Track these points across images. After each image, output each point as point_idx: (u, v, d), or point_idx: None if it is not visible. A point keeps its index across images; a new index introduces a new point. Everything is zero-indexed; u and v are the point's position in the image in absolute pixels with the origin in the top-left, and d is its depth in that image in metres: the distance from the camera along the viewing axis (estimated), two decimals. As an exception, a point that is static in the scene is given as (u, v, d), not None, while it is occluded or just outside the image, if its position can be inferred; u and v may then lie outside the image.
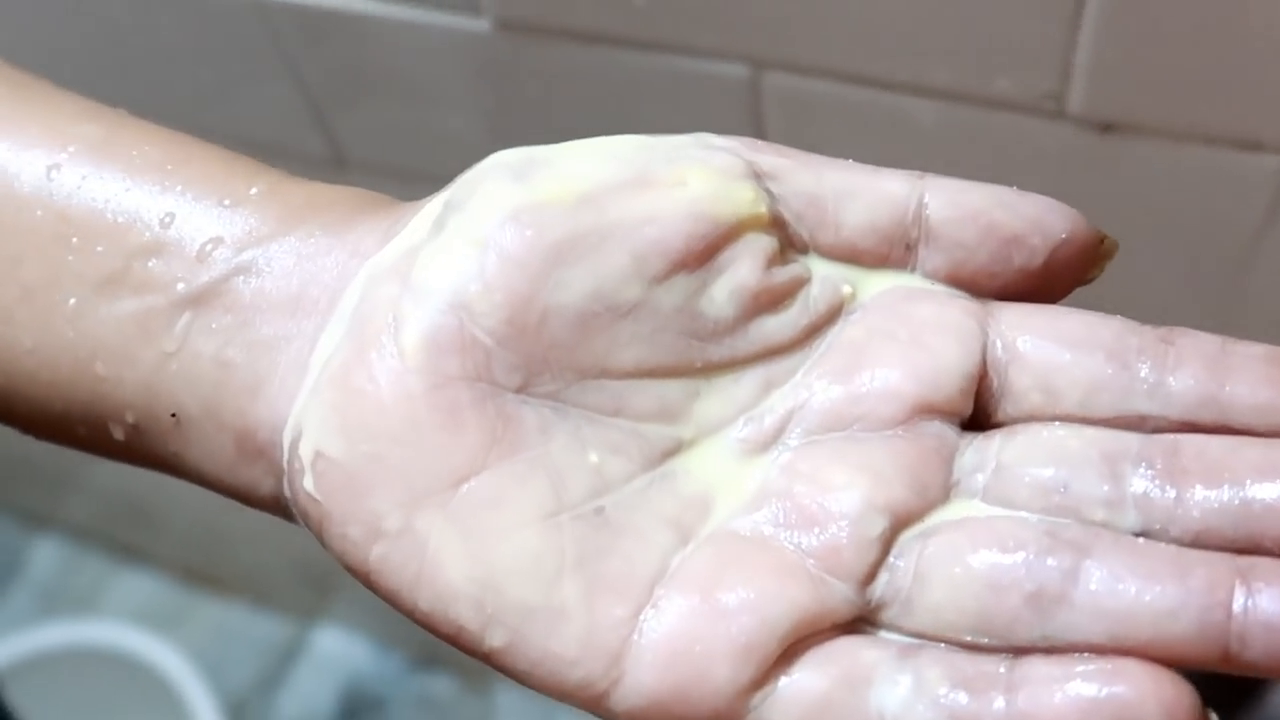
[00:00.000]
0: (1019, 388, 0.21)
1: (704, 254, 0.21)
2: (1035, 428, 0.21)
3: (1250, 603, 0.18)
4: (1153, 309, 0.22)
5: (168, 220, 0.22)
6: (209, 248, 0.22)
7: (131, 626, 0.96)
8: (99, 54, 0.59)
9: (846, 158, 0.23)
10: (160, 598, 1.11)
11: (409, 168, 0.56)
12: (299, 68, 0.55)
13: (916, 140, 0.44)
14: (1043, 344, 0.21)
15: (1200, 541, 0.19)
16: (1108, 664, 0.18)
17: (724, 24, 0.43)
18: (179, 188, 0.23)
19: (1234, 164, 0.40)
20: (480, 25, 0.48)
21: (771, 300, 0.22)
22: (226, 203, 0.23)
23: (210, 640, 1.08)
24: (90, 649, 0.93)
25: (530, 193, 0.21)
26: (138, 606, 1.10)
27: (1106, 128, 0.41)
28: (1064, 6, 0.38)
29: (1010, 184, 0.23)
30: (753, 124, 0.46)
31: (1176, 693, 0.18)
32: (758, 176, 0.22)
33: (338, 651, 1.08)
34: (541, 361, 0.21)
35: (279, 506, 0.22)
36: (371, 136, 0.56)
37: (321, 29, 0.52)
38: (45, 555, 1.14)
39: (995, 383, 0.22)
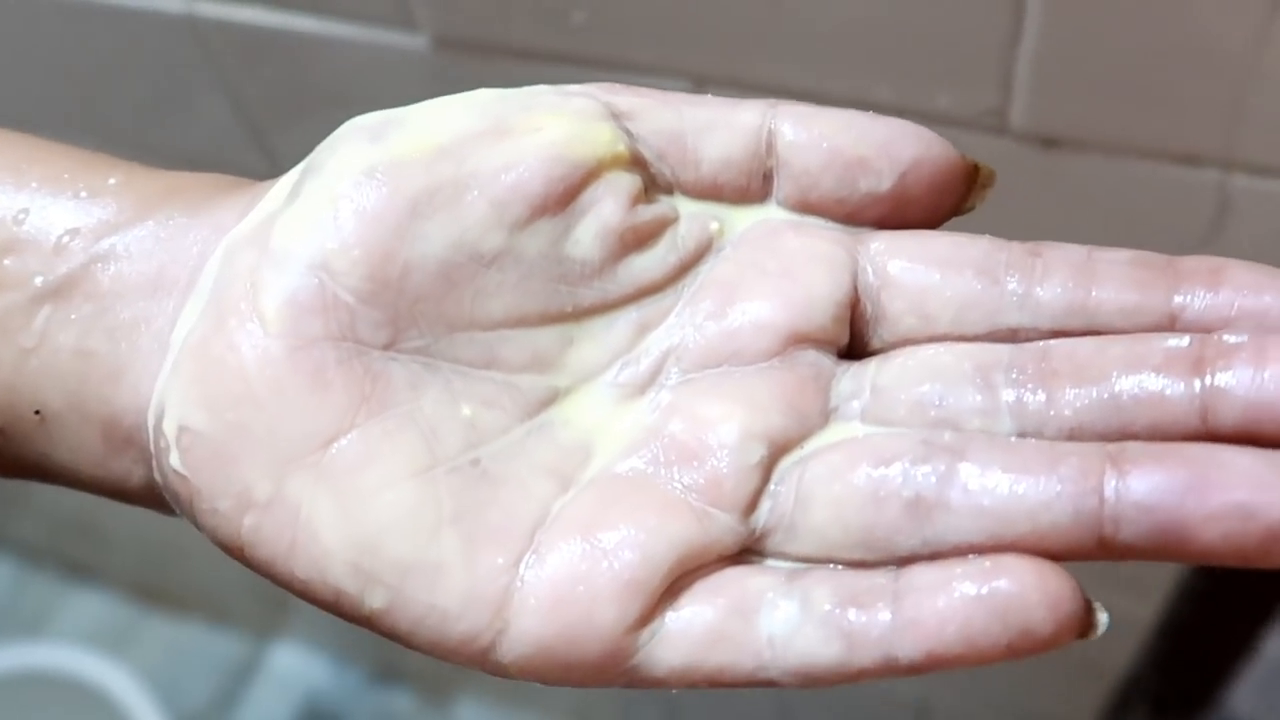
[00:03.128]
0: (892, 312, 0.21)
1: (565, 196, 0.21)
2: (910, 350, 0.21)
3: (1120, 485, 0.18)
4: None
5: (22, 217, 0.22)
6: (66, 239, 0.22)
7: (82, 648, 0.95)
8: (33, 73, 0.58)
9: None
10: (112, 616, 1.10)
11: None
12: (236, 86, 0.54)
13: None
14: (912, 266, 0.21)
15: (1074, 439, 0.19)
16: (987, 562, 0.18)
17: (663, 40, 0.43)
18: (34, 184, 0.22)
19: (1175, 178, 0.40)
20: (417, 42, 0.47)
21: (638, 239, 0.22)
22: (83, 195, 0.22)
23: (164, 659, 1.07)
24: (38, 673, 0.92)
25: (385, 150, 0.21)
26: (89, 626, 1.09)
27: (1049, 143, 0.41)
28: (1004, 23, 0.38)
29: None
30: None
31: (1059, 583, 0.18)
32: (616, 117, 0.22)
33: (295, 668, 1.06)
34: (408, 317, 0.21)
35: (153, 497, 0.22)
36: (312, 153, 0.55)
37: (257, 47, 0.51)
38: (-6, 575, 1.13)
39: (869, 309, 0.22)
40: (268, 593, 1.08)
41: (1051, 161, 0.41)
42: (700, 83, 0.43)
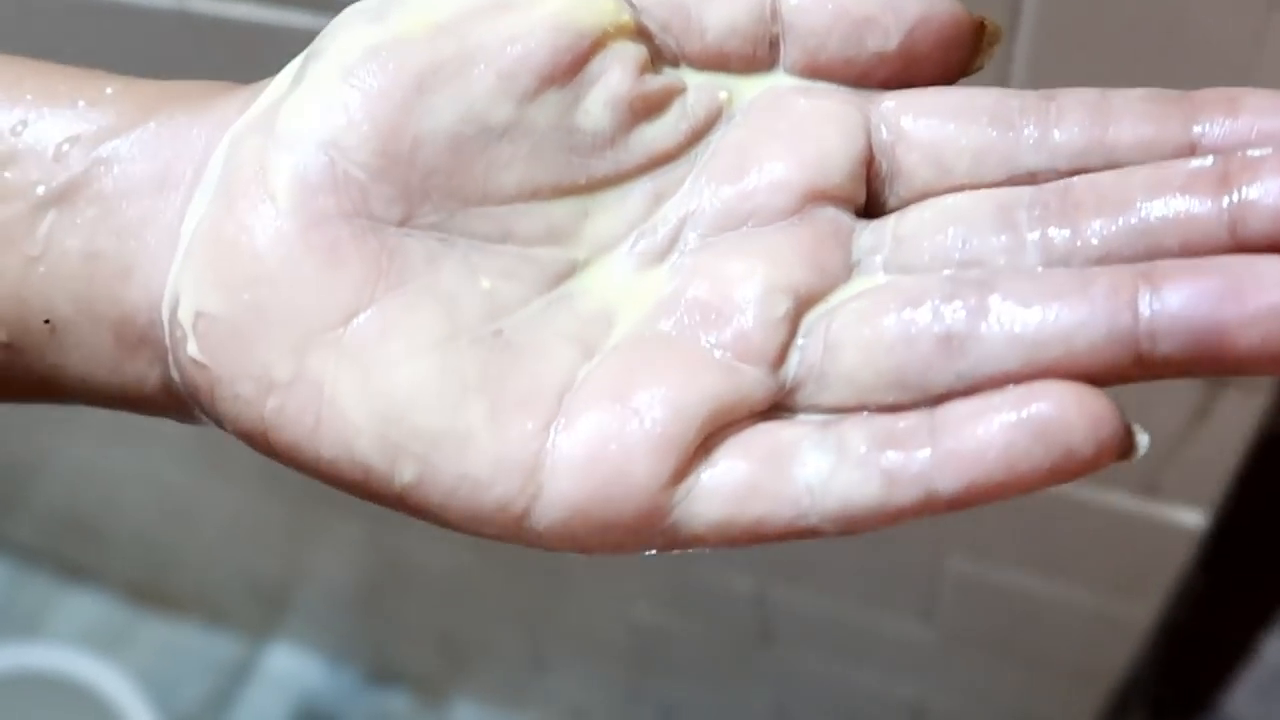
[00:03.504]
0: (908, 166, 0.21)
1: (572, 66, 0.21)
2: (929, 201, 0.21)
3: (1154, 298, 0.18)
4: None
5: (19, 129, 0.22)
6: (65, 147, 0.22)
7: (77, 649, 0.95)
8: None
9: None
10: (108, 617, 1.10)
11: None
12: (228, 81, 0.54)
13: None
14: (925, 119, 0.21)
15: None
16: (1025, 388, 0.18)
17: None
18: (29, 98, 0.22)
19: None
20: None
21: (648, 109, 0.21)
22: (81, 104, 0.22)
23: (159, 659, 1.07)
24: (33, 674, 0.92)
25: (386, 30, 0.21)
26: (85, 625, 1.09)
27: (1047, 141, 0.40)
28: (1000, 20, 0.38)
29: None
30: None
31: (1098, 404, 0.18)
32: None
33: (290, 669, 1.06)
34: (421, 192, 0.20)
35: (170, 400, 0.22)
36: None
37: (250, 42, 0.51)
38: (-11, 576, 1.12)
39: (884, 166, 0.21)
40: (263, 593, 1.08)
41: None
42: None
